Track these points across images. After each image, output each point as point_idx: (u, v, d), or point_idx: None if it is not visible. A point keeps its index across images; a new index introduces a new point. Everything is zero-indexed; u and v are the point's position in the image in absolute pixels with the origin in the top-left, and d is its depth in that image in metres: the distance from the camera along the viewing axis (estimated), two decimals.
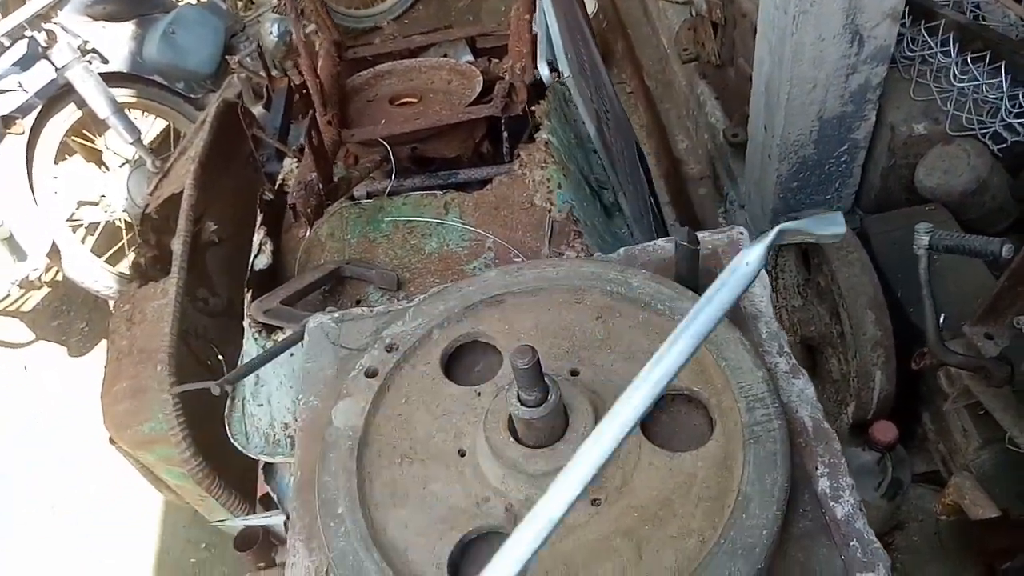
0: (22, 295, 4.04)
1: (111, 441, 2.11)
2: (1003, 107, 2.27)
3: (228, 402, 1.86)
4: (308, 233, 1.91)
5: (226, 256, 2.55)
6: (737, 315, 1.23)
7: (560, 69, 1.90)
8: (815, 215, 0.98)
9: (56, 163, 3.43)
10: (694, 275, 1.24)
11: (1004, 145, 2.30)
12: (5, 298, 4.05)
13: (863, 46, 2.28)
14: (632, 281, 1.22)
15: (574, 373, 1.14)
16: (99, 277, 3.35)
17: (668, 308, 1.17)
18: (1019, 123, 2.24)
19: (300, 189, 1.79)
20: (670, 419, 1.12)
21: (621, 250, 1.38)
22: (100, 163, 3.73)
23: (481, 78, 2.44)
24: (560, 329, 1.21)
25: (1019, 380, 1.63)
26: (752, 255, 0.94)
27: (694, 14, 3.38)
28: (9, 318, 3.95)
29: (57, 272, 3.56)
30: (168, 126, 4.14)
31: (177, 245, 2.21)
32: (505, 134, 2.33)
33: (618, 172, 1.95)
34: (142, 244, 2.51)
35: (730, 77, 3.19)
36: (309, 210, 1.77)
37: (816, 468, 1.06)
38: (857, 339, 2.12)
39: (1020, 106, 2.24)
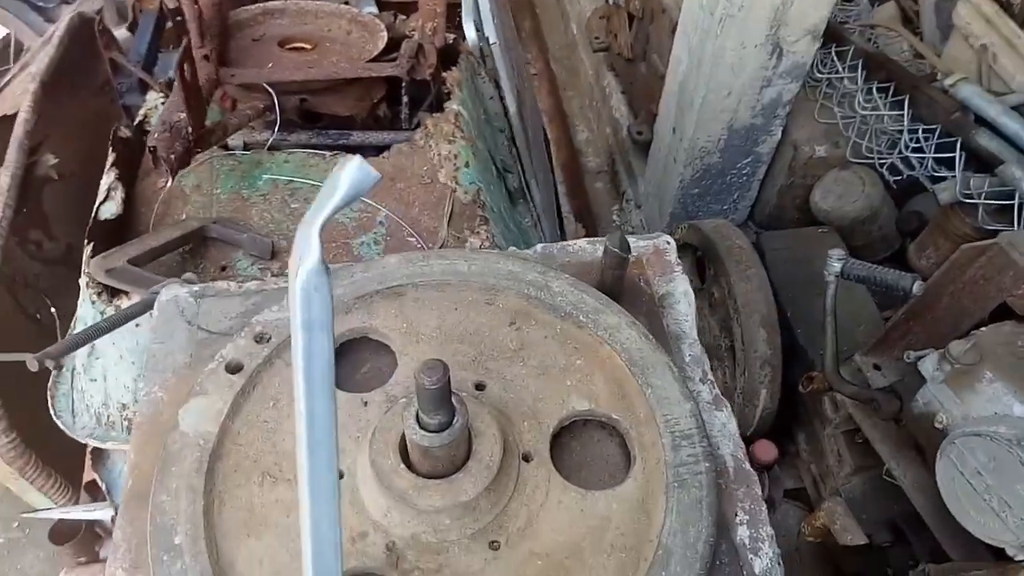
0: None
1: None
2: (903, 140, 2.31)
3: (53, 373, 1.57)
4: (169, 183, 1.63)
5: (68, 195, 2.19)
6: (659, 335, 1.11)
7: (487, 34, 1.72)
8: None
9: None
10: (619, 284, 1.12)
11: (899, 178, 2.35)
12: None
13: (781, 60, 2.25)
14: (553, 285, 1.07)
15: (479, 387, 0.99)
16: None
17: (591, 321, 1.04)
18: (916, 158, 2.29)
19: (164, 131, 1.51)
20: (582, 448, 0.99)
21: (539, 247, 1.24)
22: None
23: (385, 33, 2.22)
24: (467, 333, 1.05)
25: (906, 415, 1.64)
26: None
27: (610, 2, 3.28)
28: None
29: None
30: (8, 36, 3.57)
31: (4, 178, 1.85)
32: (405, 99, 2.13)
33: (532, 156, 1.80)
34: None
35: (640, 72, 3.12)
36: (173, 156, 1.50)
37: (736, 515, 0.96)
38: (748, 356, 2.10)
39: (918, 141, 2.29)
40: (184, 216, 1.82)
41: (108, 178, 1.68)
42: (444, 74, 1.93)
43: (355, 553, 0.85)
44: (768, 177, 2.67)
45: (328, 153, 1.98)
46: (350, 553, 0.85)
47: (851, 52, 2.52)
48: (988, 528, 1.40)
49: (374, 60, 2.15)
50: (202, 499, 0.86)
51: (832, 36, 2.59)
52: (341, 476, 0.91)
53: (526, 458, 0.93)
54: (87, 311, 1.49)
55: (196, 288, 1.16)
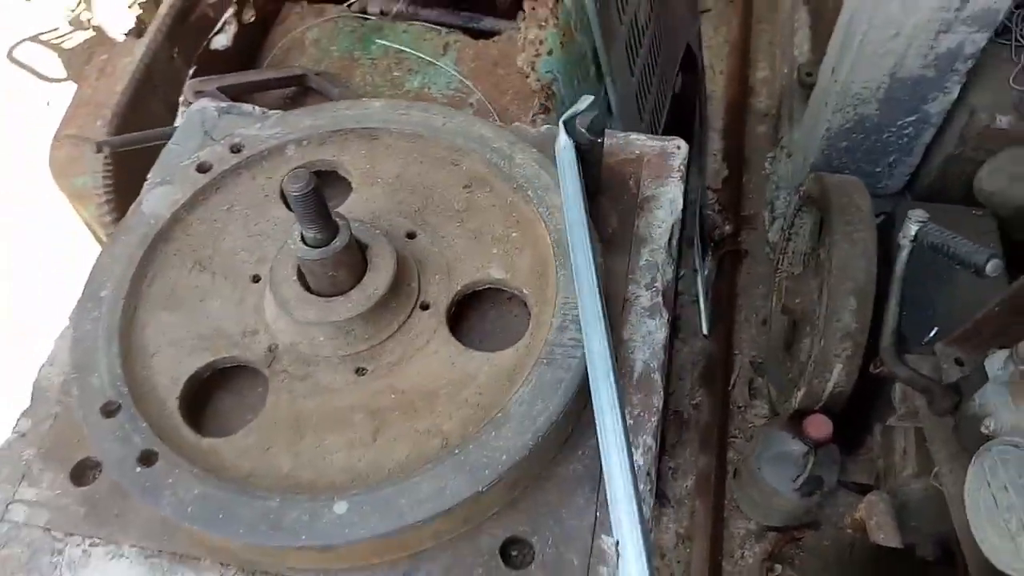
0: (69, 32, 4.02)
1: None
2: None
3: None
4: (253, 18, 1.76)
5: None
6: (623, 234, 1.06)
7: None
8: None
9: None
10: (594, 169, 1.06)
11: None
12: (53, 31, 4.05)
13: (967, 1, 1.92)
14: (517, 157, 1.05)
15: (410, 235, 1.01)
16: (125, 29, 3.27)
17: (538, 197, 1.01)
18: None
19: None
20: (497, 315, 0.99)
21: (543, 127, 1.21)
22: None
23: None
24: (422, 186, 1.06)
25: (959, 415, 1.43)
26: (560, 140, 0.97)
27: None
28: (50, 52, 3.95)
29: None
30: None
31: (163, 7, 2.09)
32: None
33: (611, 53, 1.72)
34: (147, 3, 2.40)
35: (828, 6, 2.80)
36: None
37: None
38: (828, 324, 1.91)
39: None
40: (296, 65, 1.97)
41: (227, 13, 1.85)
42: None
43: (241, 345, 0.93)
44: (935, 144, 2.33)
45: (444, 29, 2.01)
46: (237, 344, 0.93)
47: None
48: (1000, 552, 1.21)
49: None
50: (135, 268, 0.97)
51: None
52: (257, 280, 0.98)
53: (424, 306, 0.95)
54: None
55: (224, 105, 1.26)
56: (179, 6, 2.08)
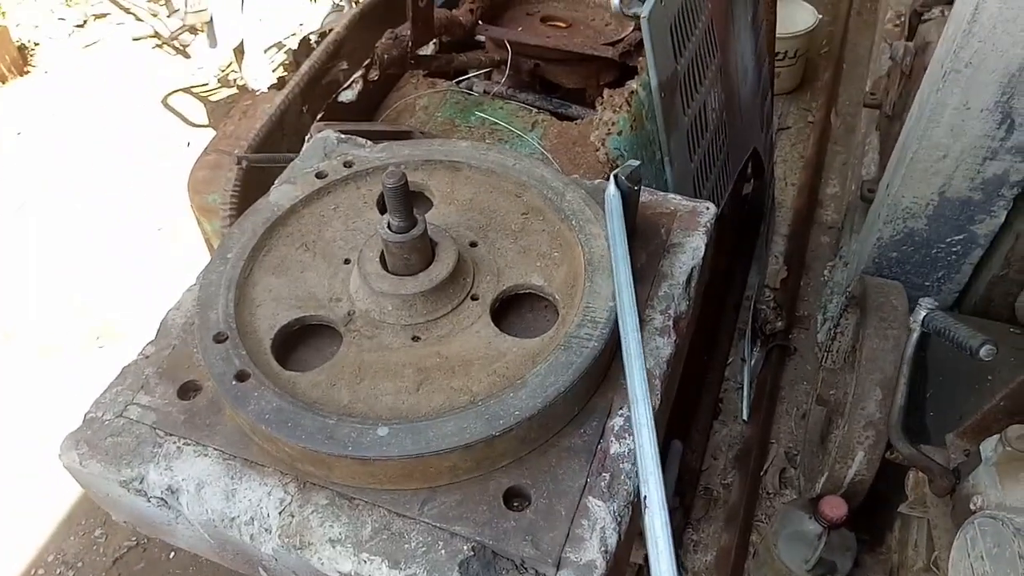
0: (216, 88, 4.62)
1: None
2: None
3: None
4: (376, 75, 2.09)
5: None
6: (647, 269, 1.26)
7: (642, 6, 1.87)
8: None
9: None
10: (630, 215, 1.28)
11: None
12: (203, 85, 4.66)
13: (1012, 133, 2.08)
14: (568, 195, 1.28)
15: (472, 244, 1.24)
16: (268, 86, 3.77)
17: (579, 226, 1.23)
18: None
19: (391, 36, 1.97)
20: (526, 312, 1.21)
21: (597, 181, 1.44)
22: None
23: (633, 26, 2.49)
24: (489, 210, 1.30)
25: (957, 496, 1.51)
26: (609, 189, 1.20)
27: (895, 59, 3.17)
28: (198, 102, 4.53)
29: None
30: None
31: (304, 67, 2.48)
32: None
33: (671, 138, 1.96)
34: (291, 64, 2.83)
35: (894, 132, 2.99)
36: (386, 56, 1.94)
37: (620, 409, 1.10)
38: (853, 411, 2.01)
39: None
40: (405, 124, 2.30)
41: (356, 74, 2.20)
42: (640, 58, 2.14)
43: (326, 307, 1.17)
44: (982, 264, 2.44)
45: (535, 110, 2.32)
46: (322, 306, 1.17)
47: None
48: None
49: (607, 44, 2.45)
50: (256, 240, 1.24)
51: None
52: (347, 262, 1.23)
53: (474, 297, 1.17)
54: None
55: (344, 136, 1.56)
56: (316, 68, 2.46)
